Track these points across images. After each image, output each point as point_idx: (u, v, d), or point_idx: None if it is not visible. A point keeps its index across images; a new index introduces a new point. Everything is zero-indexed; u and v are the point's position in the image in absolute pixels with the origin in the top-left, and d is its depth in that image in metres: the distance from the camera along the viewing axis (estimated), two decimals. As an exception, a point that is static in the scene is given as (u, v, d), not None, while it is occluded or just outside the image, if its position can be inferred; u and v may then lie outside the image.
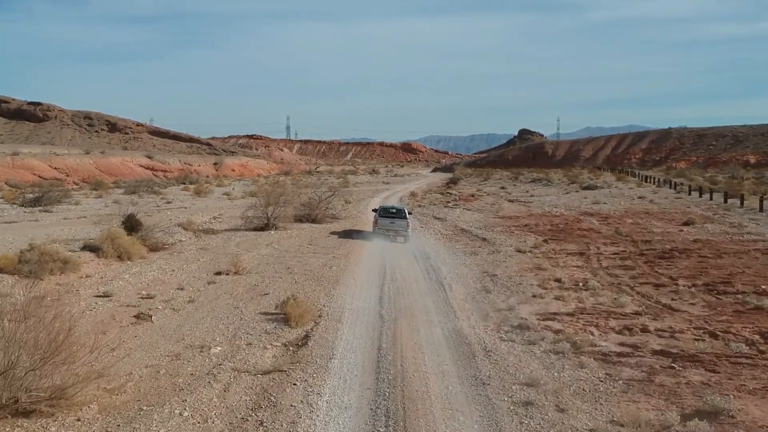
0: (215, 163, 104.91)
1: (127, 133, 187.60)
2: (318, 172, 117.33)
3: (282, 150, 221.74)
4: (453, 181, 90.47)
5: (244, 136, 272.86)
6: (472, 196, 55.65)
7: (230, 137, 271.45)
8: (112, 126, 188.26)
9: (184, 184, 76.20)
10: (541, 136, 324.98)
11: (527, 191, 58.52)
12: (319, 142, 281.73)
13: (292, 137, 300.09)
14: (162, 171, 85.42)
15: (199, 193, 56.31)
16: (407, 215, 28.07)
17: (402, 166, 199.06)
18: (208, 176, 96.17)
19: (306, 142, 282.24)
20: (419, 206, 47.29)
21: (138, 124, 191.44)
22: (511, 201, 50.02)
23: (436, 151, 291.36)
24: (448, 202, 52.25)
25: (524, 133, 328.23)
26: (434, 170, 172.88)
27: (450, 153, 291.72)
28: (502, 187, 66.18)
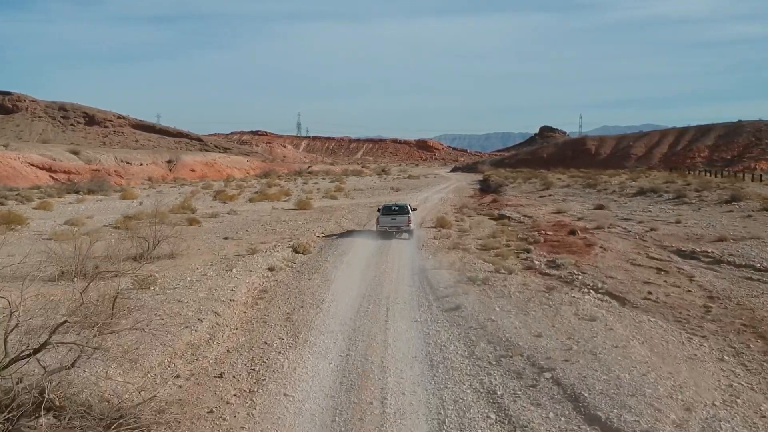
0: (169, 161, 74.84)
1: (106, 127, 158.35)
2: (309, 172, 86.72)
3: (285, 147, 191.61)
4: (491, 188, 59.84)
5: (248, 132, 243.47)
6: (571, 233, 24.87)
7: (233, 133, 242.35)
8: (90, 119, 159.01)
9: (77, 193, 46.50)
10: (564, 133, 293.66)
11: (678, 220, 27.52)
12: (328, 138, 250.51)
13: (303, 134, 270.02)
14: (65, 172, 55.39)
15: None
16: (410, 211, 26.06)
17: (417, 165, 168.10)
18: (149, 179, 66.27)
19: (314, 138, 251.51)
20: (472, 274, 16.84)
21: (119, 117, 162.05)
22: (694, 260, 19.29)
23: (453, 149, 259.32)
24: (526, 249, 21.79)
25: (546, 131, 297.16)
26: (454, 170, 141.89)
27: (469, 151, 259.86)
28: (600, 206, 35.29)
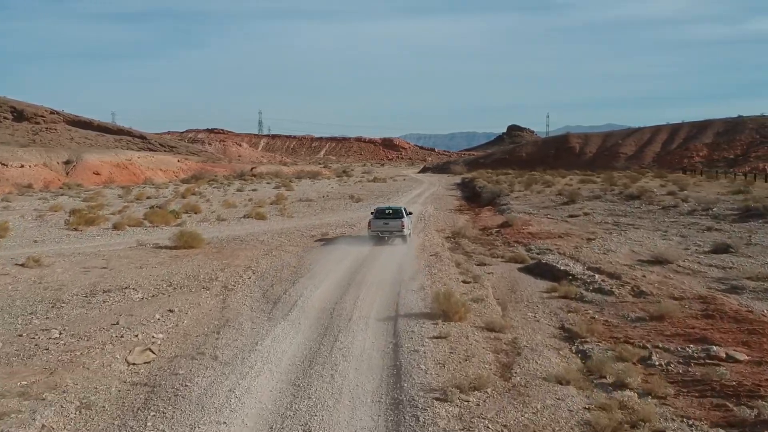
0: (67, 162, 56.81)
1: (38, 123, 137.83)
2: (253, 175, 69.28)
3: (240, 145, 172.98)
4: (484, 198, 43.62)
5: (203, 130, 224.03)
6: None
7: (188, 131, 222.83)
8: (19, 114, 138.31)
9: None
10: (532, 132, 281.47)
11: None
12: (288, 137, 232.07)
13: (264, 133, 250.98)
14: None
15: None
16: (405, 215, 23.79)
17: (382, 165, 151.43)
18: (29, 185, 48.29)
19: (274, 137, 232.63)
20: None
21: (53, 112, 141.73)
22: None
23: (420, 148, 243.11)
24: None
25: (513, 130, 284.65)
26: (423, 170, 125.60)
27: (437, 150, 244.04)
28: (724, 246, 18.94)
